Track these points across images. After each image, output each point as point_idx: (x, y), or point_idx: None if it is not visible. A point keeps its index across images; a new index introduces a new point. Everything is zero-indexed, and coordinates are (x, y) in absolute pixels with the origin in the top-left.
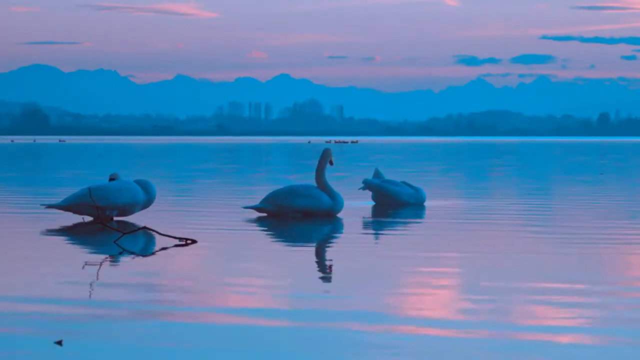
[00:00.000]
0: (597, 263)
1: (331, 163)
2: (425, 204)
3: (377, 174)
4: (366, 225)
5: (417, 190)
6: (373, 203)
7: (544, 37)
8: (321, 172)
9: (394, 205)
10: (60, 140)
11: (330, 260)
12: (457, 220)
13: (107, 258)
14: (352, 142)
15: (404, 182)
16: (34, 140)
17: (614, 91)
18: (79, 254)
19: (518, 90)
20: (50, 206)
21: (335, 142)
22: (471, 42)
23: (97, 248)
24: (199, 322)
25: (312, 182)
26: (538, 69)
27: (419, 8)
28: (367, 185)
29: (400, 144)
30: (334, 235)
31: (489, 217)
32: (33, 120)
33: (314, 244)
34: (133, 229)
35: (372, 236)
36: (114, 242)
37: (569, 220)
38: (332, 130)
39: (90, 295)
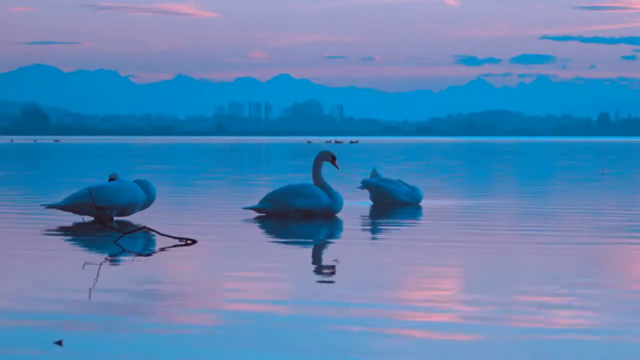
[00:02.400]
0: (596, 264)
1: (336, 166)
2: (424, 203)
3: (374, 174)
4: (365, 225)
5: (413, 189)
6: (371, 203)
7: (544, 37)
8: (317, 173)
9: (391, 204)
10: (55, 140)
11: (330, 260)
12: (455, 221)
13: (107, 258)
14: (352, 142)
15: (400, 181)
16: (35, 141)
17: (614, 91)
18: (79, 254)
19: (518, 90)
20: (50, 206)
21: (335, 142)
22: (471, 42)
23: (97, 248)
24: (199, 322)
25: (311, 182)
26: (538, 69)
27: (419, 8)
28: (365, 185)
29: (400, 144)
30: (334, 235)
31: (487, 217)
32: (33, 120)
33: (314, 244)
34: (133, 229)
35: (371, 236)
36: (114, 242)
37: (568, 219)
38: (332, 130)
39: (90, 295)
